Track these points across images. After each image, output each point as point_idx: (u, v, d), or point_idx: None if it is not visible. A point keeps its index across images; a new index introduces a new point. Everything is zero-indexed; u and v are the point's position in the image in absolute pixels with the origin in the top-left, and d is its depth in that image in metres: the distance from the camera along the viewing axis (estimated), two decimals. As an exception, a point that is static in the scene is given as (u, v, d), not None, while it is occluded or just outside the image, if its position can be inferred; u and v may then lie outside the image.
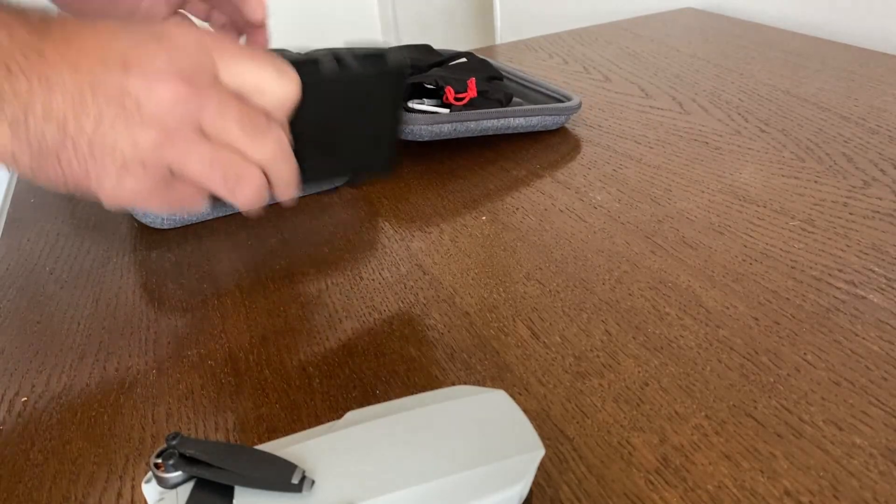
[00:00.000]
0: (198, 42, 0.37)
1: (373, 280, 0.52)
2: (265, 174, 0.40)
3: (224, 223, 0.62)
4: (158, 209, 0.39)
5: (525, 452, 0.30)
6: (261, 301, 0.51)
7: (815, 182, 0.58)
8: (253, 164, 0.39)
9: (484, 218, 0.58)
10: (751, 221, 0.54)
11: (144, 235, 0.62)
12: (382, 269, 0.53)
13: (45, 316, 0.52)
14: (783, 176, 0.60)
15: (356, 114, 0.45)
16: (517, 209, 0.59)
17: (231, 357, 0.45)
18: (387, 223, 0.59)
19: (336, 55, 0.44)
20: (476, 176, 0.66)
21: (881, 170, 0.59)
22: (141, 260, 0.58)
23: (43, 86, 0.35)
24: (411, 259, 0.54)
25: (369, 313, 0.48)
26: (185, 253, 0.58)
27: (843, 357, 0.40)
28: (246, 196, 0.39)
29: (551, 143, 0.71)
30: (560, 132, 0.73)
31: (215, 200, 0.40)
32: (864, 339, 0.41)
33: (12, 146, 0.34)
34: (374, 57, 0.45)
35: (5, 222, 0.67)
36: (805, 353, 0.40)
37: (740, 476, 0.33)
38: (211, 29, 0.60)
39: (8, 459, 0.39)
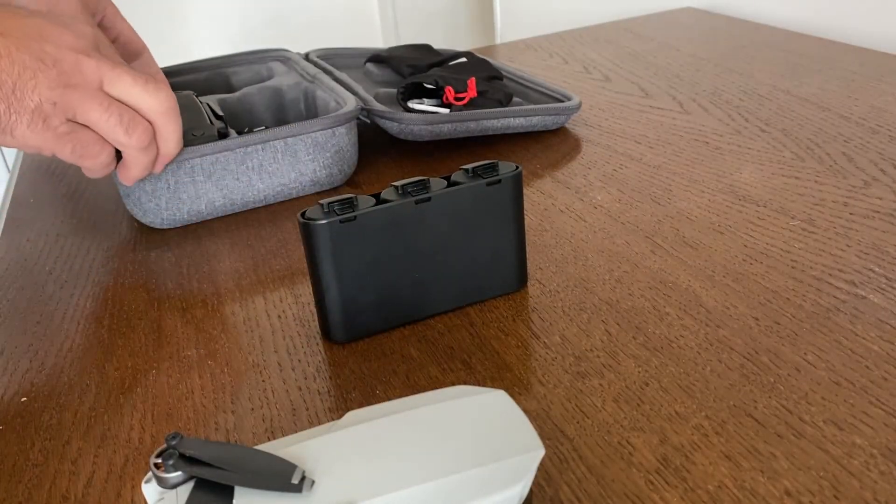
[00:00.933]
0: (93, 32, 0.51)
1: (373, 280, 0.52)
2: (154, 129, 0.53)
3: (224, 223, 0.62)
4: (65, 153, 0.50)
5: (525, 452, 0.30)
6: (260, 301, 0.51)
7: (816, 182, 0.58)
8: (145, 114, 0.52)
9: (484, 218, 0.58)
10: (751, 221, 0.54)
11: (144, 235, 0.62)
12: (382, 269, 0.53)
13: (45, 316, 0.52)
14: (783, 176, 0.60)
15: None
16: (517, 209, 0.59)
17: (231, 357, 0.45)
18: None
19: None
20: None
21: (881, 169, 0.59)
22: (141, 260, 0.58)
23: None
24: (411, 259, 0.54)
25: (369, 313, 0.48)
26: (185, 253, 0.58)
27: (844, 357, 0.40)
28: (139, 137, 0.51)
29: (551, 143, 0.71)
30: (560, 132, 0.73)
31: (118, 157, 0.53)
32: (864, 338, 0.41)
33: None
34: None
35: (5, 222, 0.67)
36: (805, 353, 0.40)
37: (740, 476, 0.33)
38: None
39: (8, 459, 0.39)
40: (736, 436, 0.35)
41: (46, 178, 0.76)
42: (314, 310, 0.48)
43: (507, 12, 1.79)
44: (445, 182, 0.44)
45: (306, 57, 0.84)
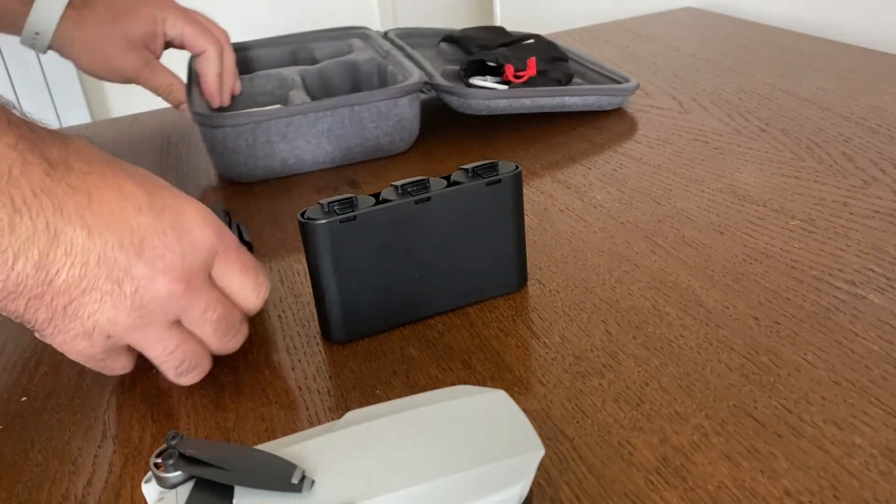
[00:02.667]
0: (210, 243, 0.39)
1: (373, 280, 0.52)
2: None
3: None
4: (88, 365, 0.40)
5: (525, 452, 0.30)
6: (261, 301, 0.51)
7: (816, 181, 0.58)
8: (209, 355, 0.42)
9: (484, 217, 0.58)
10: (751, 221, 0.54)
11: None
12: (382, 269, 0.53)
13: (45, 316, 0.51)
14: (783, 175, 0.60)
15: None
16: (517, 209, 0.59)
17: (231, 357, 0.45)
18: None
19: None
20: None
21: (881, 169, 0.59)
22: (141, 259, 0.58)
23: (49, 236, 0.34)
24: (411, 259, 0.54)
25: (369, 313, 0.48)
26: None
27: (844, 357, 0.40)
28: (191, 380, 0.42)
29: (551, 143, 0.71)
30: (560, 131, 0.73)
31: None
32: (864, 338, 0.41)
33: None
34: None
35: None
36: (805, 353, 0.40)
37: (740, 476, 0.33)
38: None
39: (8, 459, 0.39)
40: (736, 436, 0.35)
41: (46, 178, 0.76)
42: (314, 310, 0.48)
43: (507, 11, 1.79)
44: (445, 182, 0.44)
45: (385, 35, 0.88)
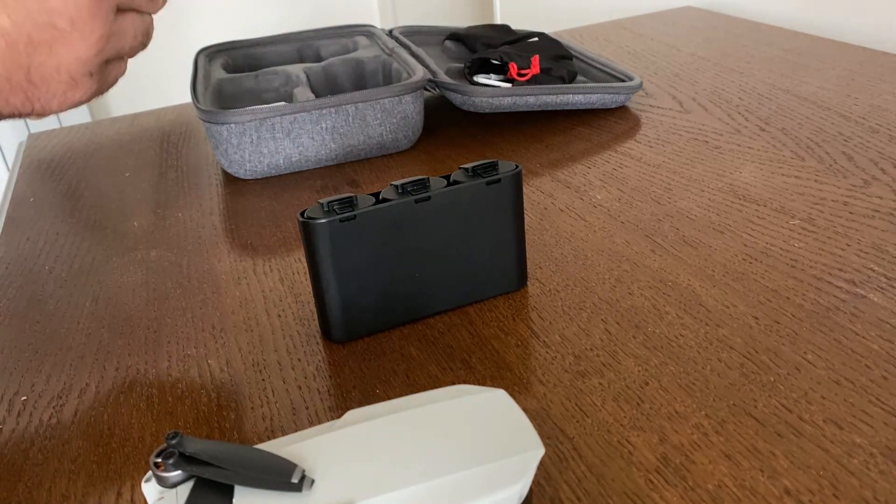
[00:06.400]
0: None
1: (373, 279, 0.52)
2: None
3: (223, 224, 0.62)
4: (94, 86, 0.41)
5: (525, 452, 0.30)
6: (260, 300, 0.51)
7: (816, 181, 0.58)
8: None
9: (484, 217, 0.58)
10: (751, 220, 0.54)
11: (144, 234, 0.62)
12: (382, 269, 0.53)
13: (45, 315, 0.51)
14: (783, 175, 0.60)
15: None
16: (517, 208, 0.59)
17: (231, 356, 0.45)
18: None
19: None
20: (476, 175, 0.66)
21: (881, 169, 0.59)
22: (140, 259, 0.58)
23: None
24: (411, 258, 0.54)
25: (369, 312, 0.48)
26: (185, 252, 0.58)
27: (844, 356, 0.40)
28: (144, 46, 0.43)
29: (551, 143, 0.71)
30: (559, 131, 0.73)
31: None
32: (864, 338, 0.41)
33: None
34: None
35: (5, 221, 0.67)
36: (805, 352, 0.40)
37: (740, 475, 0.33)
38: None
39: (8, 459, 0.39)
40: (736, 435, 0.35)
41: (46, 178, 0.76)
42: (314, 309, 0.48)
43: (506, 11, 1.79)
44: (445, 181, 0.44)
45: (390, 33, 0.89)
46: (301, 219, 0.42)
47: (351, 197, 0.42)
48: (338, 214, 0.42)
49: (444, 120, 0.78)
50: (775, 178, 0.59)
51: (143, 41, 0.43)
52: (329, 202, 0.42)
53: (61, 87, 0.37)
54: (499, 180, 0.45)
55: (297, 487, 0.29)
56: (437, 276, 0.45)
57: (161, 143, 0.82)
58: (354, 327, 0.45)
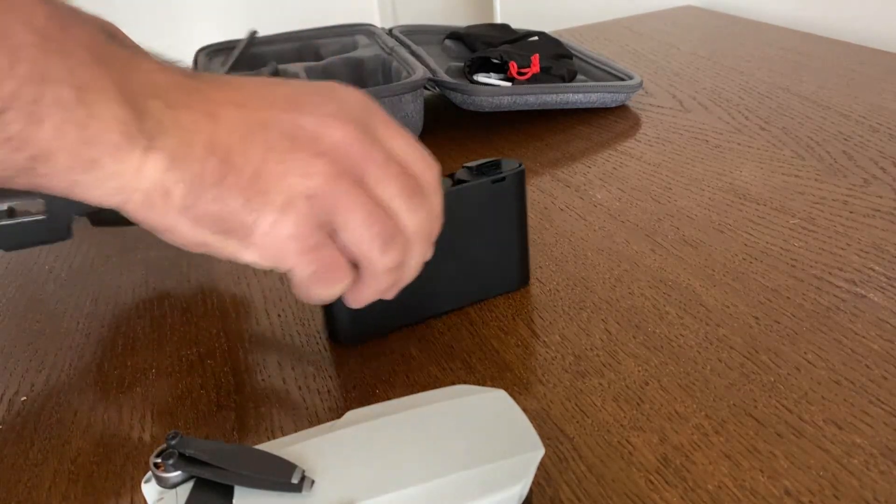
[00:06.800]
0: (363, 100, 0.36)
1: (372, 279, 0.52)
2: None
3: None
4: (305, 271, 0.34)
5: (525, 452, 0.30)
6: (260, 300, 0.51)
7: (816, 180, 0.58)
8: (403, 232, 0.36)
9: (484, 217, 0.58)
10: (751, 220, 0.53)
11: (144, 235, 0.61)
12: (382, 268, 0.53)
13: (45, 315, 0.51)
14: (783, 174, 0.60)
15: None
16: (517, 208, 0.59)
17: (231, 356, 0.45)
18: (386, 222, 0.59)
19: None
20: (476, 174, 0.66)
21: (881, 168, 0.59)
22: (140, 259, 0.58)
23: (208, 119, 0.32)
24: (411, 258, 0.54)
25: (369, 312, 0.48)
26: (185, 252, 0.58)
27: (844, 356, 0.40)
28: (395, 256, 0.35)
29: (551, 142, 0.71)
30: (559, 130, 0.73)
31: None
32: (864, 337, 0.41)
33: (167, 178, 0.31)
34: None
35: (5, 221, 0.67)
36: (805, 353, 0.40)
37: (740, 475, 0.33)
38: None
39: (8, 459, 0.39)
40: (736, 435, 0.35)
41: (46, 177, 0.76)
42: (314, 309, 0.48)
43: (506, 10, 1.79)
44: (451, 180, 0.44)
45: (390, 32, 0.89)
46: None
47: None
48: None
49: (444, 119, 0.78)
50: (775, 178, 0.59)
51: (373, 239, 0.35)
52: None
53: (279, 201, 0.33)
54: (503, 178, 0.44)
55: (297, 488, 0.29)
56: (442, 275, 0.45)
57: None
58: (362, 330, 0.44)
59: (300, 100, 0.35)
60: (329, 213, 0.34)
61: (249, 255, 0.34)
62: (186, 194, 0.32)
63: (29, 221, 0.47)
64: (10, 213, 0.47)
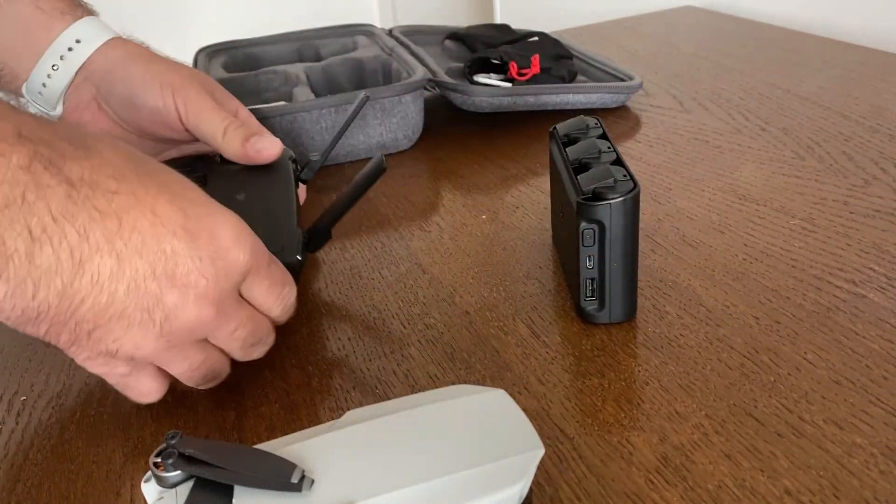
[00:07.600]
0: (244, 266, 0.37)
1: (372, 279, 0.52)
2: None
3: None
4: (110, 381, 0.39)
5: (525, 452, 0.30)
6: (260, 300, 0.51)
7: (816, 181, 0.58)
8: (229, 362, 0.41)
9: (484, 217, 0.58)
10: (751, 220, 0.54)
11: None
12: (382, 268, 0.53)
13: (45, 315, 0.51)
14: (783, 174, 0.60)
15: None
16: (517, 208, 0.59)
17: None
18: (386, 222, 0.59)
19: None
20: (476, 175, 0.66)
21: (882, 168, 0.59)
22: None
23: (73, 264, 0.32)
24: (411, 258, 0.54)
25: (369, 312, 0.48)
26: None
27: (844, 356, 0.40)
28: (209, 386, 0.41)
29: (551, 142, 0.71)
30: (560, 131, 0.73)
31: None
32: (864, 337, 0.41)
33: (3, 301, 0.32)
34: None
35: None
36: (805, 352, 0.40)
37: (740, 475, 0.33)
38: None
39: (7, 459, 0.39)
40: (736, 435, 0.35)
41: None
42: (314, 308, 0.48)
43: (506, 10, 1.79)
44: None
45: (390, 32, 0.89)
46: (596, 203, 0.41)
47: None
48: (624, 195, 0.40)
49: (444, 120, 0.78)
50: (776, 178, 0.59)
51: (202, 378, 0.40)
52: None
53: (101, 356, 0.36)
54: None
55: (297, 487, 0.29)
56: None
57: (161, 142, 0.82)
58: (633, 303, 0.44)
59: (177, 270, 0.35)
60: (151, 361, 0.38)
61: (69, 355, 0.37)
62: (16, 319, 0.33)
63: None
64: None
